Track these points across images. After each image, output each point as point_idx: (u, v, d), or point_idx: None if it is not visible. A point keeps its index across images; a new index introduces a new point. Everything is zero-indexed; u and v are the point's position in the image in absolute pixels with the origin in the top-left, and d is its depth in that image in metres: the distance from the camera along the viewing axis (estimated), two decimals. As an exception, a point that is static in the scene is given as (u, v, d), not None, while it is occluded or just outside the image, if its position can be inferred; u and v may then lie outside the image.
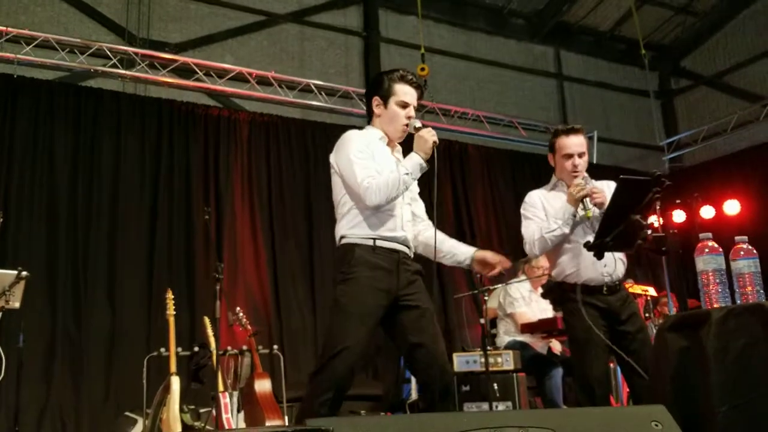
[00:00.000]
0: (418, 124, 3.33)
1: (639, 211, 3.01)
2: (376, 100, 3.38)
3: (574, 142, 3.81)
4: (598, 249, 3.13)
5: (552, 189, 3.95)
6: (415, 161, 3.18)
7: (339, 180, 3.28)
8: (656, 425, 2.07)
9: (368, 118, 3.50)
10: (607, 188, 3.73)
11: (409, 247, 3.30)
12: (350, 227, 3.20)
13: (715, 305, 2.53)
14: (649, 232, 2.89)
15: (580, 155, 3.81)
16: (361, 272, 3.10)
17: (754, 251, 2.59)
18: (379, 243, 3.15)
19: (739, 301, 2.55)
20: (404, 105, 3.34)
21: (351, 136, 3.32)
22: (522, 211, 3.93)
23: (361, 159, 3.19)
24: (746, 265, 2.57)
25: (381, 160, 3.24)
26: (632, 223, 3.01)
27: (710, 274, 2.59)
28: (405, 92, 3.35)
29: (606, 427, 2.01)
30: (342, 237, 3.22)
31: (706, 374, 2.32)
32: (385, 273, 3.14)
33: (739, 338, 2.30)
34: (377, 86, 3.40)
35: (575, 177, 3.77)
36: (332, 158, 3.33)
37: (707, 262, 2.60)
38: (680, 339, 2.47)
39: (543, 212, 3.83)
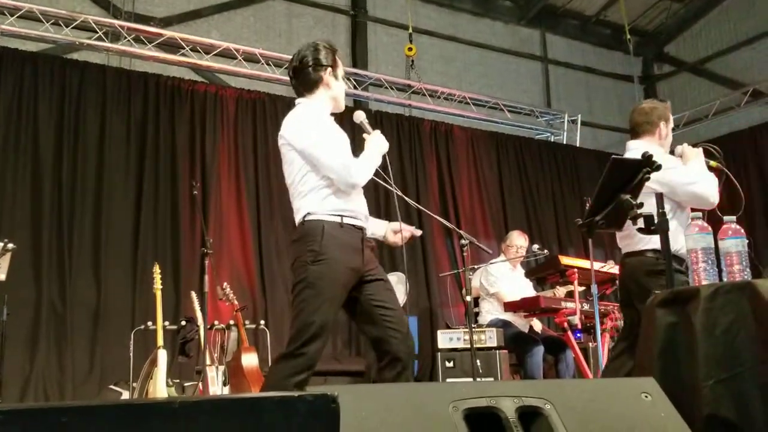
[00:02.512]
0: (364, 118, 3.38)
1: (629, 191, 3.05)
2: (328, 71, 3.30)
3: None
4: (588, 228, 3.18)
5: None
6: (379, 154, 3.25)
7: (297, 157, 3.17)
8: (646, 396, 2.12)
9: (303, 91, 3.32)
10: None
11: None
12: (317, 204, 3.12)
13: (704, 282, 2.59)
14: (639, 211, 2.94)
15: None
16: (334, 253, 3.06)
17: (742, 231, 2.64)
18: (346, 220, 3.13)
19: (725, 280, 2.61)
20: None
21: (307, 114, 3.22)
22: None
23: (331, 140, 3.15)
24: (734, 244, 2.61)
25: (340, 141, 3.22)
26: (622, 202, 3.05)
27: (699, 252, 2.64)
28: (341, 65, 3.41)
29: (598, 397, 2.06)
30: (308, 214, 3.13)
31: (694, 349, 2.37)
32: (354, 252, 3.14)
33: (727, 314, 2.33)
34: (326, 56, 3.30)
35: None
36: (288, 136, 3.19)
37: (697, 240, 2.65)
38: (669, 315, 2.51)
39: None
